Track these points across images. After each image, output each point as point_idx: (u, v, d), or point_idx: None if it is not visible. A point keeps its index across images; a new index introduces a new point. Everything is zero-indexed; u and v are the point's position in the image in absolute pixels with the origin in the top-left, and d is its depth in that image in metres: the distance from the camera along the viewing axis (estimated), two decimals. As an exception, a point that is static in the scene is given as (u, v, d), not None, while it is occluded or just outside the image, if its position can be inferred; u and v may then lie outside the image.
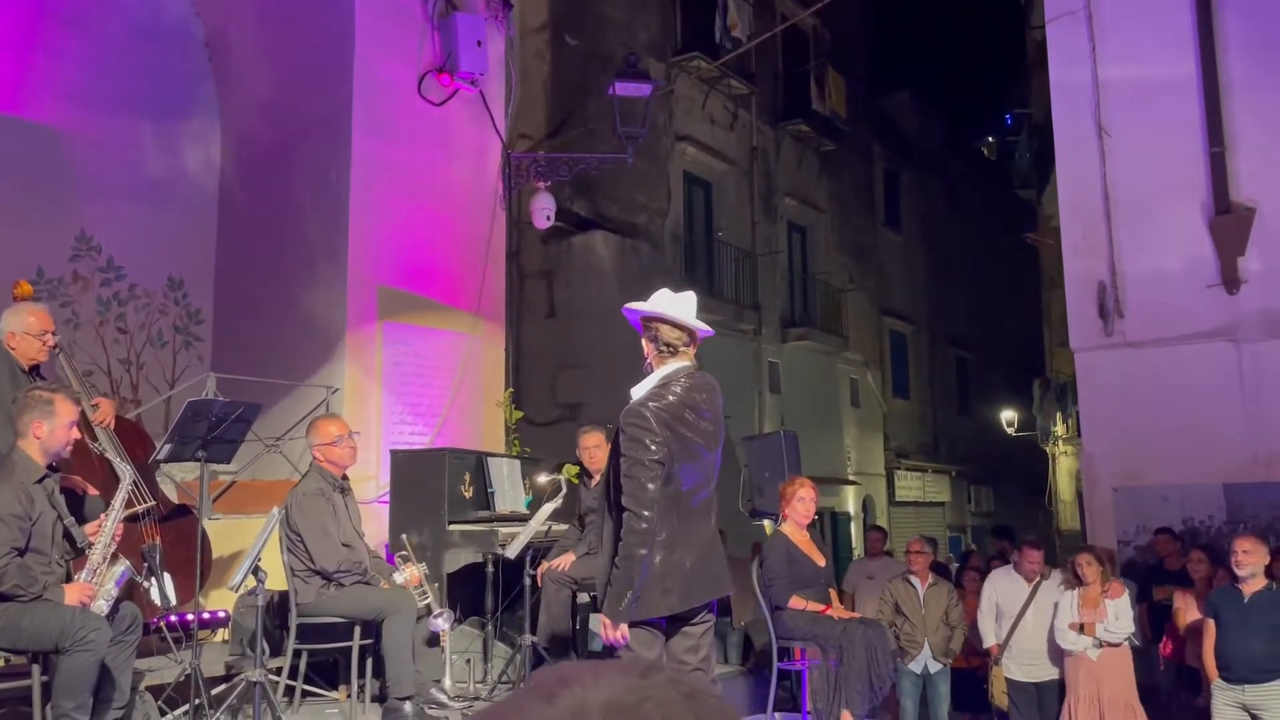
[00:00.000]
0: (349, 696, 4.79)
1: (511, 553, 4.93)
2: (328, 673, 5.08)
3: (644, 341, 3.55)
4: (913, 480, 19.85)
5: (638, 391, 3.46)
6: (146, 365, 7.43)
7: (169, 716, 4.23)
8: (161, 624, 4.79)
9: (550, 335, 12.99)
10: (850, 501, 17.70)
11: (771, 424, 15.51)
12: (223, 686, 4.60)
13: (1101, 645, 5.70)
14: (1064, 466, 18.08)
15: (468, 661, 5.29)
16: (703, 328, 3.54)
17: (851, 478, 17.72)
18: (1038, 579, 6.21)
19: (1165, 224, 7.62)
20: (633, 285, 13.36)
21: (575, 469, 7.54)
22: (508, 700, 0.60)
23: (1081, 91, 8.01)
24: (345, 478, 4.79)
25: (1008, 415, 20.84)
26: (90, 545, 3.89)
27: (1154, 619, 6.67)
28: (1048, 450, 18.27)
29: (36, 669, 3.67)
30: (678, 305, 3.51)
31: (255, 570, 3.98)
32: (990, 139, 30.11)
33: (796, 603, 5.12)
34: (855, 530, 16.75)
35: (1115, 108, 7.85)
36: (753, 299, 15.88)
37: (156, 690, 4.29)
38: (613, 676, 0.57)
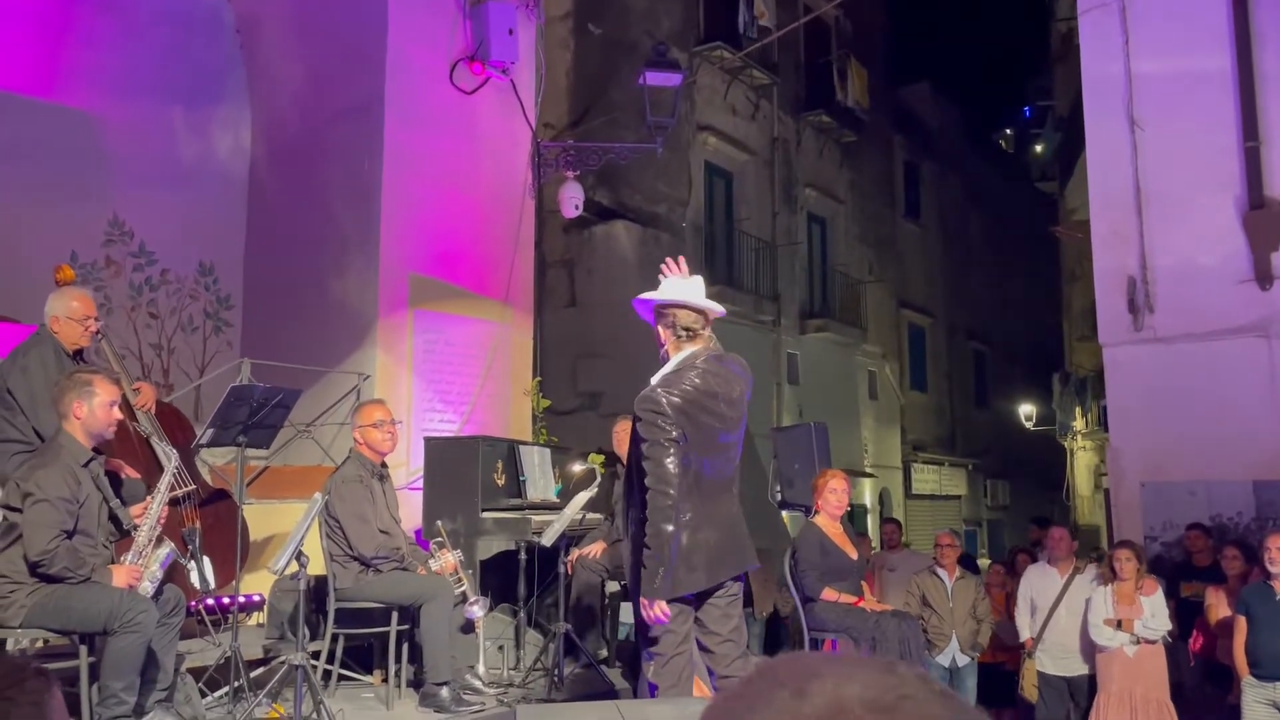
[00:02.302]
0: (384, 681, 4.83)
1: (547, 540, 4.96)
2: (362, 657, 5.12)
3: (659, 329, 3.60)
4: (929, 473, 19.82)
5: (657, 378, 3.52)
6: (177, 350, 7.48)
7: (210, 698, 4.27)
8: (200, 607, 4.84)
9: (571, 324, 13.01)
10: (867, 494, 17.69)
11: (790, 415, 15.51)
12: (260, 670, 4.64)
13: (1139, 642, 5.69)
14: (1082, 461, 18.02)
15: (500, 648, 5.32)
16: (716, 308, 3.62)
17: (868, 470, 17.71)
18: (1071, 571, 6.20)
19: (1197, 218, 7.57)
20: (654, 275, 13.28)
21: (600, 458, 7.57)
22: (745, 692, 0.58)
23: (1114, 84, 7.95)
24: (384, 465, 4.82)
25: (1026, 409, 20.78)
26: (135, 528, 3.92)
27: (1182, 616, 6.64)
28: (1066, 445, 18.21)
29: (84, 650, 3.71)
30: (689, 290, 3.56)
31: (298, 555, 4.01)
32: (1008, 131, 30.01)
33: (829, 595, 5.12)
34: (872, 523, 16.73)
35: (1148, 101, 7.80)
36: (772, 290, 15.86)
37: (197, 672, 4.32)
38: (861, 671, 0.57)
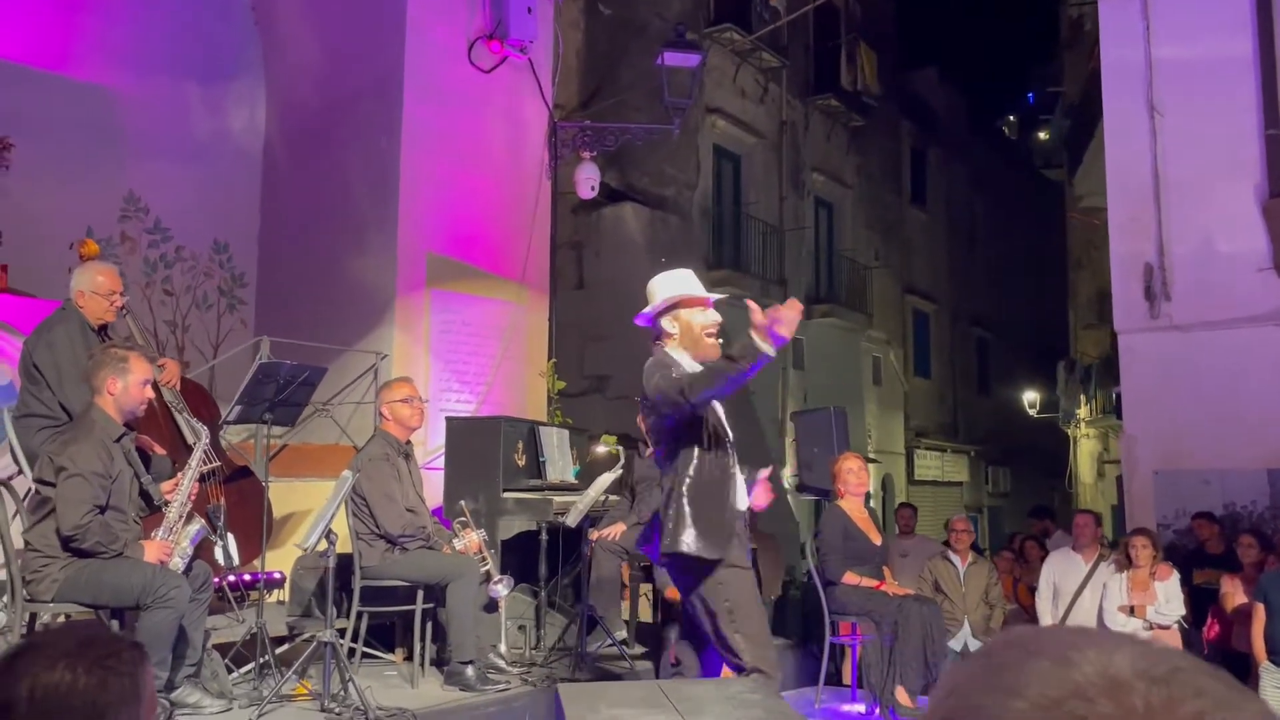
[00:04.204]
0: (407, 659, 4.84)
1: (572, 521, 4.95)
2: (383, 635, 5.12)
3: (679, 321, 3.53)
4: (932, 460, 19.85)
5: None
6: (192, 328, 7.46)
7: (236, 674, 4.27)
8: (223, 584, 4.83)
9: (579, 307, 12.95)
10: (870, 480, 17.73)
11: (795, 400, 15.51)
12: (284, 646, 4.65)
13: (1152, 628, 5.71)
14: (1085, 449, 18.05)
15: (521, 628, 5.32)
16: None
17: (872, 456, 17.73)
18: (1096, 558, 6.20)
19: (1216, 206, 7.55)
20: (662, 258, 13.32)
21: (614, 439, 7.56)
22: (997, 664, 0.56)
23: (1133, 70, 7.92)
24: (409, 443, 4.81)
25: (1029, 396, 20.80)
26: (167, 504, 3.91)
27: (1195, 603, 6.66)
28: (1069, 432, 18.24)
29: (115, 625, 3.71)
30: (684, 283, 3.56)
31: (327, 533, 4.00)
32: (1011, 118, 29.92)
33: (850, 578, 5.13)
34: (874, 508, 16.78)
35: (1168, 87, 7.76)
36: (779, 274, 15.83)
37: (223, 648, 4.32)
38: (1121, 644, 0.55)
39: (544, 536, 5.27)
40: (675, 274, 3.61)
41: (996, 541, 17.63)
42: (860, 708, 5.18)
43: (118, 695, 1.24)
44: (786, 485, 14.02)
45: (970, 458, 21.11)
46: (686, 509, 3.27)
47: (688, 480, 3.32)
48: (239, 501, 4.95)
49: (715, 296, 3.63)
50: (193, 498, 3.96)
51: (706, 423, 3.38)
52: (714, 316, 3.55)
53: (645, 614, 6.01)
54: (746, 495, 3.55)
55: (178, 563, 3.79)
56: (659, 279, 3.61)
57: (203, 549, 4.30)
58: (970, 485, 21.13)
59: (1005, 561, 8.22)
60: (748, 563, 3.46)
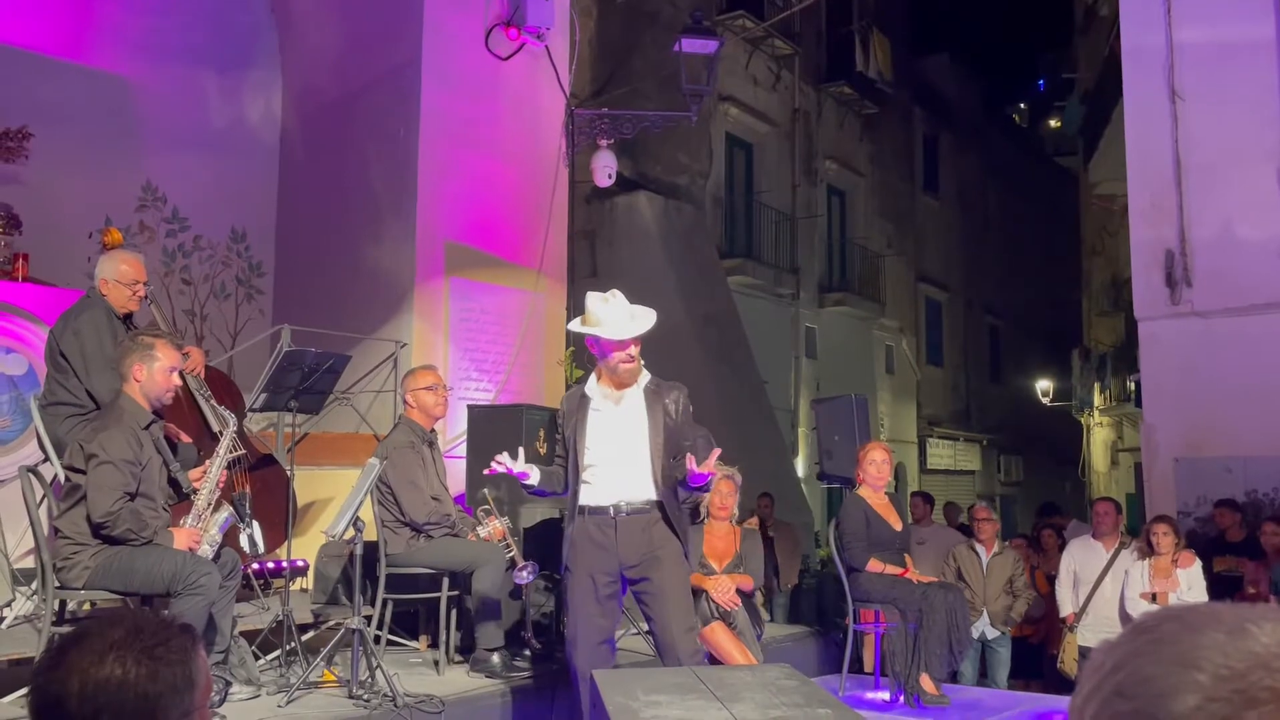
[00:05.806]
0: (430, 646, 4.84)
1: (595, 509, 4.93)
2: (406, 623, 5.13)
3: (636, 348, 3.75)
4: (944, 448, 19.81)
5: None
6: (210, 317, 7.47)
7: (262, 661, 4.28)
8: (248, 571, 4.84)
9: (592, 295, 12.92)
10: (890, 472, 17.67)
11: (808, 389, 15.49)
12: (310, 634, 4.66)
13: (1175, 615, 5.68)
14: (1099, 437, 18.00)
15: (543, 615, 5.32)
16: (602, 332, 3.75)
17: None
18: (1117, 546, 6.18)
19: (1238, 191, 7.50)
20: (674, 247, 13.29)
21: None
22: (1165, 637, 0.55)
23: (1154, 55, 7.86)
24: (434, 431, 4.80)
25: (1043, 385, 20.74)
26: (195, 491, 3.91)
27: (1215, 591, 6.63)
28: (1082, 421, 18.18)
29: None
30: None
31: (355, 521, 4.00)
32: (1022, 105, 29.76)
33: (874, 565, 5.12)
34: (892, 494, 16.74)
35: (1189, 72, 7.70)
36: (791, 263, 15.79)
37: (249, 635, 4.33)
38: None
39: (565, 525, 5.25)
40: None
41: (1009, 531, 17.59)
42: (884, 695, 5.17)
43: (169, 685, 1.22)
44: (802, 474, 14.01)
45: (983, 446, 21.07)
46: None
47: None
48: (263, 489, 4.97)
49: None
50: (220, 485, 3.96)
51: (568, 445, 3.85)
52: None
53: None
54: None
55: (207, 550, 3.79)
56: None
57: (229, 537, 4.31)
58: (983, 474, 21.09)
59: (1019, 549, 8.19)
60: (576, 566, 3.84)
